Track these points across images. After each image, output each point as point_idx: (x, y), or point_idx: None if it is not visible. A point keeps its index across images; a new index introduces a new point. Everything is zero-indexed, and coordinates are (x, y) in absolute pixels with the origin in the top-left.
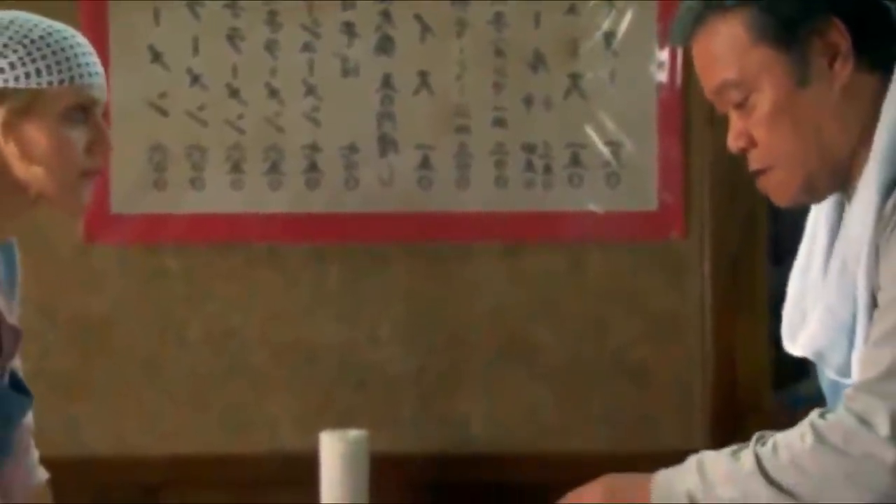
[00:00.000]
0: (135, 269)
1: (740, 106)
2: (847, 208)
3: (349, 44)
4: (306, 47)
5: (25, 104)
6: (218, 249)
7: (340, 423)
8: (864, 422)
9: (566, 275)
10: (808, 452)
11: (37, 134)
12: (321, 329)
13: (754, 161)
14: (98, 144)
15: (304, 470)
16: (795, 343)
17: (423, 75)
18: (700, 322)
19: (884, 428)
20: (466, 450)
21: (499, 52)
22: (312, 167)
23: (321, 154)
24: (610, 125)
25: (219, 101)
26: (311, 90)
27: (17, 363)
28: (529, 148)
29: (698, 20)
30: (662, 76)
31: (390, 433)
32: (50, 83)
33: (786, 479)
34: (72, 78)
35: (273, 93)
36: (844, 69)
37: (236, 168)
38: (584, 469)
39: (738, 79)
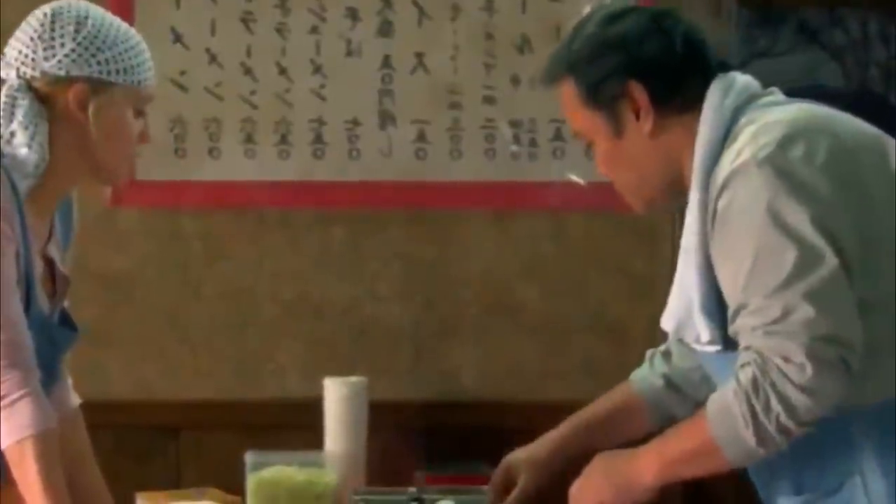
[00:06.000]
0: (156, 230)
1: (590, 146)
2: None
3: (352, 27)
4: (313, 30)
5: (111, 96)
6: (232, 213)
7: (342, 371)
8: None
9: (549, 239)
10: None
11: (117, 119)
12: (326, 286)
13: None
14: (143, 133)
15: (310, 414)
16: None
17: (420, 56)
18: (670, 282)
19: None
20: (457, 397)
21: (489, 36)
22: (319, 139)
23: (327, 127)
24: None
25: (234, 79)
26: (317, 69)
27: (66, 303)
28: (516, 123)
29: (551, 82)
30: None
31: (388, 381)
32: (130, 82)
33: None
34: (139, 81)
35: (283, 71)
36: (648, 120)
37: (249, 139)
38: (563, 415)
39: (579, 131)
